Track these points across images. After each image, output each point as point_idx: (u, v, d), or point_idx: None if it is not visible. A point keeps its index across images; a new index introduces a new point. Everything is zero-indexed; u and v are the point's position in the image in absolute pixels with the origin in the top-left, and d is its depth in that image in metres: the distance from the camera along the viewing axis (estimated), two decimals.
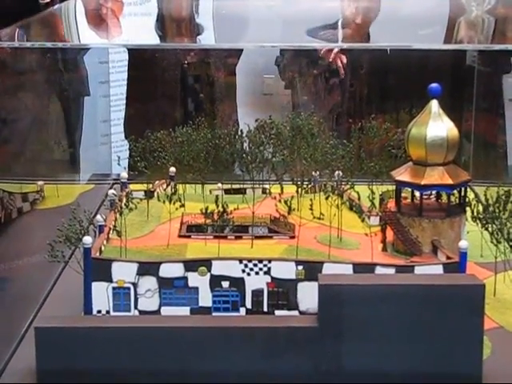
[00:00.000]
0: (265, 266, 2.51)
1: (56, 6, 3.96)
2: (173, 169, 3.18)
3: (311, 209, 2.74)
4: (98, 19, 3.63)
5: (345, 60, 4.73)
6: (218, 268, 2.51)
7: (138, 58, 4.87)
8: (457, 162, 2.86)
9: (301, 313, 2.51)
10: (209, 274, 2.50)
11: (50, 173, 3.98)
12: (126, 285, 2.50)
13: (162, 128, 3.14)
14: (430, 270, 2.50)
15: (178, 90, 4.93)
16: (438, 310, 2.25)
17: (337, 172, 3.00)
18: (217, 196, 2.79)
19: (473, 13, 3.91)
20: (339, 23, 3.75)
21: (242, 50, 4.78)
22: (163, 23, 3.83)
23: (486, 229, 2.75)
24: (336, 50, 4.68)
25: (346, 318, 2.25)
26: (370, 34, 3.53)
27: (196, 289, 2.51)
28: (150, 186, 3.14)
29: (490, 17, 3.96)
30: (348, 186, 2.85)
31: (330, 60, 4.72)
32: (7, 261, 3.05)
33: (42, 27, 3.41)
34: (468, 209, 2.82)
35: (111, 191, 2.98)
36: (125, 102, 5.02)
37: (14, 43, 3.11)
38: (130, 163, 3.14)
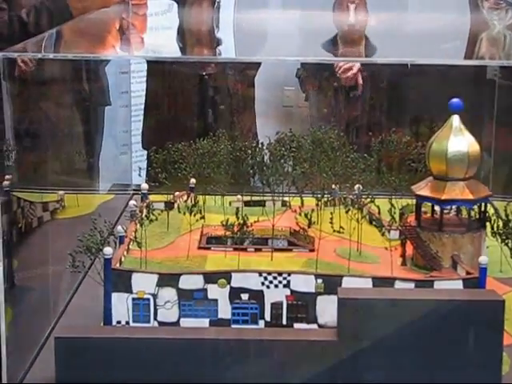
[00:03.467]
0: (284, 278, 2.51)
1: (79, 18, 3.98)
2: (193, 180, 3.18)
3: (331, 222, 2.74)
4: (119, 32, 3.65)
5: (361, 80, 4.73)
6: (237, 280, 2.51)
7: (158, 68, 4.88)
8: (476, 176, 2.85)
9: (320, 326, 2.51)
10: (228, 286, 2.51)
11: (71, 182, 3.99)
12: (146, 296, 2.51)
13: (181, 139, 3.15)
14: (449, 285, 2.50)
15: (197, 102, 4.93)
16: (457, 325, 2.25)
17: (357, 185, 3.00)
18: (237, 208, 2.80)
19: (495, 28, 3.90)
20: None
21: (261, 62, 4.79)
22: (183, 36, 3.84)
23: (506, 244, 2.74)
24: (355, 70, 4.68)
25: (365, 331, 2.25)
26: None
27: (215, 301, 2.51)
28: (171, 197, 3.15)
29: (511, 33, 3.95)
30: (368, 200, 2.85)
31: (346, 81, 4.72)
32: (27, 270, 3.06)
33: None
34: (488, 224, 2.81)
35: (132, 202, 2.99)
36: (143, 112, 5.05)
37: (37, 54, 3.11)
38: (151, 174, 3.14)
